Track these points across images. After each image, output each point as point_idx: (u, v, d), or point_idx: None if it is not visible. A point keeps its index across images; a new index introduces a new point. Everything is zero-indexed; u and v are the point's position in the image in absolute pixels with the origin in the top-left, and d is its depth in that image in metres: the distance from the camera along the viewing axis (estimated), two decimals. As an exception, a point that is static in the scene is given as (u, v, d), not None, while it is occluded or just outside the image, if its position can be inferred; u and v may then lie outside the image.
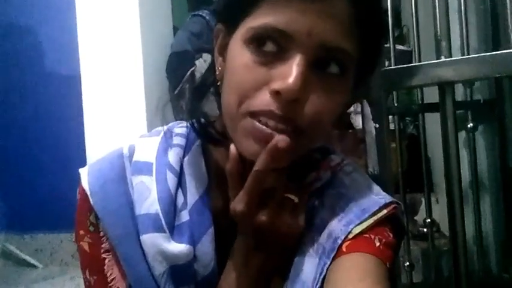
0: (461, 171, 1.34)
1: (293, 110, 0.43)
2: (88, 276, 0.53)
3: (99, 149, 1.61)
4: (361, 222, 0.48)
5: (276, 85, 0.42)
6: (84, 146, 1.66)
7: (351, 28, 0.43)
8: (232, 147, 0.47)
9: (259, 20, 0.43)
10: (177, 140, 0.55)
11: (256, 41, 0.44)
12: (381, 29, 0.50)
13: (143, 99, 1.55)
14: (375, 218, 0.49)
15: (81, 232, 0.53)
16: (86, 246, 0.53)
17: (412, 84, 0.66)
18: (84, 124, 1.65)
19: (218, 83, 0.50)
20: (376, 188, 0.54)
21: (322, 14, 0.42)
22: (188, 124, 0.56)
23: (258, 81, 0.43)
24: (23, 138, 2.21)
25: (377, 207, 0.49)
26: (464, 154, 1.29)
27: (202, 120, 0.54)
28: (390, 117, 1.30)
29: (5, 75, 2.22)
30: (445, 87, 0.62)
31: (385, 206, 0.50)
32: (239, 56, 0.45)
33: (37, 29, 2.18)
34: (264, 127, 0.43)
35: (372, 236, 0.48)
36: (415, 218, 1.59)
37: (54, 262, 2.00)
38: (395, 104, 1.21)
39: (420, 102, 1.23)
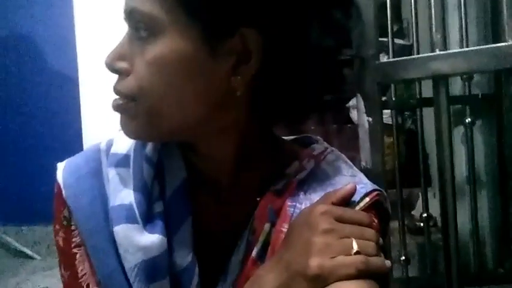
0: (459, 166, 1.34)
1: (118, 80, 0.47)
2: (63, 271, 0.52)
3: (95, 142, 1.61)
4: None
5: None
6: (82, 140, 1.66)
7: None
8: None
9: None
10: None
11: None
12: None
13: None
14: (357, 208, 0.49)
15: (57, 227, 0.53)
16: (60, 242, 0.52)
17: (405, 77, 0.65)
18: (81, 119, 1.65)
19: None
20: (359, 176, 0.54)
21: None
22: None
23: None
24: (22, 132, 2.22)
25: (359, 197, 0.49)
26: (461, 149, 1.29)
27: None
28: (388, 111, 1.30)
29: (6, 73, 2.23)
30: (439, 80, 0.62)
31: (367, 194, 0.50)
32: None
33: (36, 28, 2.18)
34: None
35: None
36: (412, 212, 1.59)
37: (52, 254, 2.00)
38: (393, 98, 1.20)
39: (418, 96, 1.22)
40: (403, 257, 1.19)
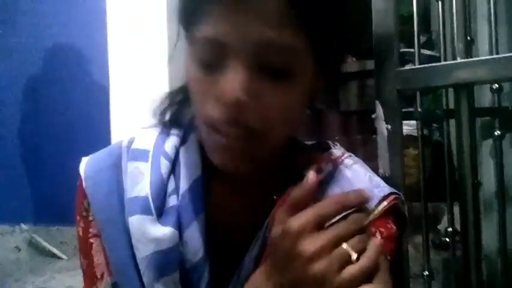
0: (487, 180, 1.30)
1: (241, 113, 0.43)
2: (82, 260, 0.55)
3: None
4: None
5: (218, 93, 0.43)
6: (111, 141, 1.71)
7: (288, 18, 0.40)
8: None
9: (197, 32, 0.44)
10: (175, 130, 0.57)
11: (198, 55, 0.44)
12: (332, 10, 0.44)
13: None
14: (376, 212, 0.49)
15: (78, 217, 0.56)
16: (80, 231, 0.55)
17: (426, 86, 0.64)
18: (111, 125, 1.71)
19: None
20: (376, 180, 0.54)
21: (252, 13, 0.40)
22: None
23: (206, 93, 0.44)
24: (53, 137, 2.30)
25: (377, 201, 0.50)
26: (490, 163, 1.25)
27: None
28: (413, 122, 1.27)
29: (39, 79, 2.32)
30: (460, 89, 0.60)
31: (385, 198, 0.51)
32: (189, 70, 0.47)
33: (69, 37, 2.27)
34: (216, 135, 0.45)
35: (373, 230, 0.49)
36: (438, 227, 1.55)
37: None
38: (419, 109, 1.18)
39: (445, 107, 1.19)
40: (426, 272, 1.15)
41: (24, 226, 2.21)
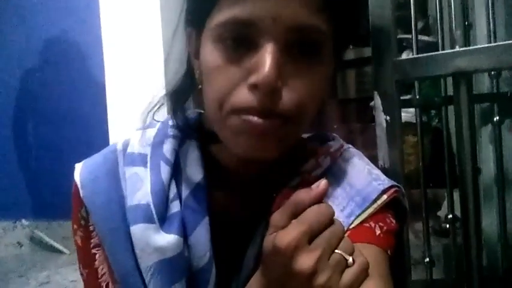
0: (486, 166, 1.30)
1: (274, 100, 0.42)
2: (81, 270, 0.54)
3: (121, 138, 1.64)
4: (362, 212, 0.49)
5: (252, 79, 0.41)
6: (108, 141, 1.71)
7: (320, 3, 0.41)
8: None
9: (222, 15, 0.42)
10: (173, 131, 0.54)
11: (225, 37, 0.43)
12: None
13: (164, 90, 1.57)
14: (375, 206, 0.50)
15: (75, 226, 0.54)
16: (78, 240, 0.54)
17: (425, 75, 0.63)
18: (108, 121, 1.70)
19: (200, 87, 0.49)
20: (376, 173, 0.54)
21: None
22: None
23: (234, 79, 0.43)
24: (53, 134, 2.30)
25: (376, 195, 0.49)
26: (489, 148, 1.25)
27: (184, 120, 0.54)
28: (412, 109, 1.26)
29: (35, 77, 2.31)
30: (459, 78, 0.60)
31: (385, 191, 0.50)
32: (211, 56, 0.44)
33: (64, 33, 2.25)
34: (251, 119, 0.42)
35: (373, 224, 0.49)
36: (438, 213, 1.55)
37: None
38: (417, 96, 1.18)
39: (443, 94, 1.19)
40: (427, 259, 1.16)
41: (25, 222, 2.22)
